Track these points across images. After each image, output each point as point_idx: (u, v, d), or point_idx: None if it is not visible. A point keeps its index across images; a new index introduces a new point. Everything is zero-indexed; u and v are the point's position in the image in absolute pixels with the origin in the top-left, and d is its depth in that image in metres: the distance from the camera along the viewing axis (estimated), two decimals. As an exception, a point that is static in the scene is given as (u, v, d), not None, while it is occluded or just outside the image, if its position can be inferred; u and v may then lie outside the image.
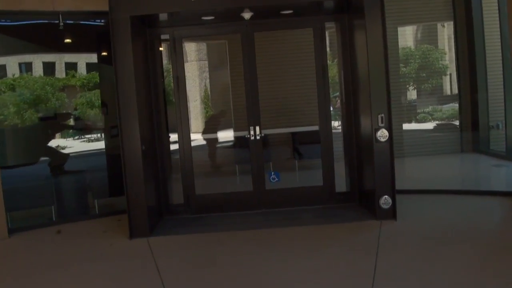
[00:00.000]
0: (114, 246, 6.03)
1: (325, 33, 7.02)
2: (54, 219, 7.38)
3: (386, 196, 6.18)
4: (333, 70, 7.67)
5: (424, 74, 9.41)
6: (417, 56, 9.30)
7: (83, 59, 9.59)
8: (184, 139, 7.12)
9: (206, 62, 11.33)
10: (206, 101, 10.77)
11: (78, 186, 8.23)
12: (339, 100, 7.51)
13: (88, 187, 8.26)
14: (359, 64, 6.58)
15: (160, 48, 7.34)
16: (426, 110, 9.37)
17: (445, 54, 9.29)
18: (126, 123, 6.15)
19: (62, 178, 8.47)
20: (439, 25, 9.61)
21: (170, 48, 7.06)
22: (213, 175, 8.80)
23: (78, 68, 9.41)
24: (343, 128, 7.36)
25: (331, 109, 7.18)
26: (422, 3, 9.02)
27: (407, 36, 9.53)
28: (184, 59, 7.22)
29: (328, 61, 7.09)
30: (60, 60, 9.49)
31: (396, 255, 5.06)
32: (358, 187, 7.08)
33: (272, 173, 7.21)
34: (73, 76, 9.26)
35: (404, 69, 9.17)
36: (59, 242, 6.43)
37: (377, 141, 6.11)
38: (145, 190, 6.25)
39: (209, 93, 10.74)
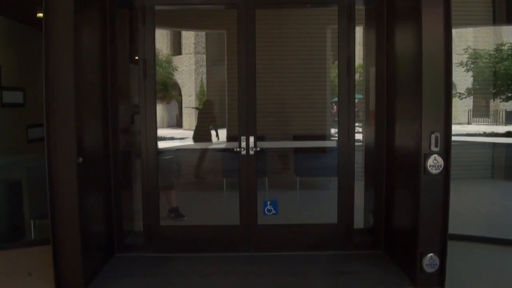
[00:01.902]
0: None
1: (354, 12, 5.01)
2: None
3: (432, 254, 4.20)
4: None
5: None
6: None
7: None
8: (148, 146, 5.13)
9: (204, 56, 9.32)
10: (201, 97, 8.83)
11: (8, 201, 6.10)
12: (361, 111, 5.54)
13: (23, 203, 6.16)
14: (403, 60, 4.65)
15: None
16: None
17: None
18: (54, 124, 4.18)
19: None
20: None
21: (138, 19, 5.07)
22: (190, 198, 6.81)
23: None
24: (367, 145, 5.42)
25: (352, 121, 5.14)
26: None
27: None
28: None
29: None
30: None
31: None
32: (385, 229, 5.11)
33: (268, 202, 5.18)
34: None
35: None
36: None
37: (427, 172, 4.13)
38: (81, 219, 4.27)
39: (205, 89, 8.80)
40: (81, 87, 4.34)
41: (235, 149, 5.03)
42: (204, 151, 8.85)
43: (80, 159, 4.28)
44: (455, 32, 4.40)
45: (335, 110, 8.59)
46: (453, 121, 4.20)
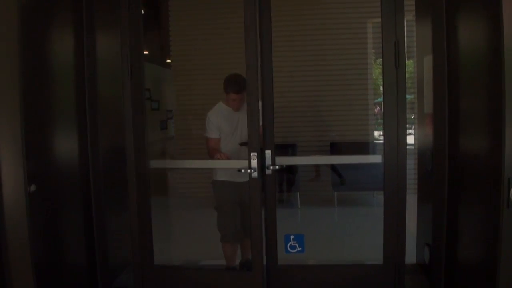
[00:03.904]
0: None
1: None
2: None
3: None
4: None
5: None
6: None
7: None
8: (136, 160, 3.98)
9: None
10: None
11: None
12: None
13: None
14: (472, 54, 3.34)
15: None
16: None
17: None
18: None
19: None
20: None
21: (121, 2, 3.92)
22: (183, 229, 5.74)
23: None
24: (420, 158, 4.19)
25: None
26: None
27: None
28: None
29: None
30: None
31: None
32: (446, 266, 3.79)
33: (291, 237, 3.93)
34: None
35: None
36: None
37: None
38: (35, 268, 3.13)
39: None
40: (36, 91, 3.23)
41: (242, 170, 3.78)
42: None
43: (32, 188, 3.15)
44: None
45: (377, 111, 7.32)
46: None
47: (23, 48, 3.07)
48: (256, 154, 3.68)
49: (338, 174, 7.08)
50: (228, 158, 4.14)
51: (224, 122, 4.34)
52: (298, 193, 7.21)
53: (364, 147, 7.74)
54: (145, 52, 12.67)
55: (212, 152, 4.30)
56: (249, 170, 3.69)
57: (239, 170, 3.78)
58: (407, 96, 4.40)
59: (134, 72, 3.92)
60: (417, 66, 4.52)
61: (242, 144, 4.04)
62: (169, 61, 8.75)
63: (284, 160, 3.92)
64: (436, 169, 3.86)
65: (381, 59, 3.86)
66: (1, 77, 3.05)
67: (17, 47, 3.02)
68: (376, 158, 3.95)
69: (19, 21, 3.02)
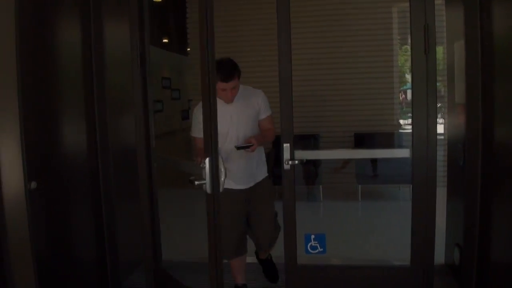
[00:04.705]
0: None
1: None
2: None
3: None
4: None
5: None
6: None
7: None
8: (140, 152, 3.76)
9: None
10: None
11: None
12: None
13: None
14: (508, 33, 3.00)
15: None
16: None
17: None
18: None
19: None
20: None
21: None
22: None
23: None
24: (451, 151, 3.94)
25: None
26: None
27: None
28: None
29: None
30: None
31: None
32: (478, 267, 3.49)
33: (312, 237, 3.67)
34: None
35: None
36: None
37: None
38: (38, 267, 2.95)
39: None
40: (40, 83, 3.03)
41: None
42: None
43: (33, 184, 2.94)
44: None
45: (402, 99, 7.05)
46: None
47: (25, 37, 2.87)
48: (288, 145, 3.47)
49: (373, 167, 6.78)
50: None
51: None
52: (320, 186, 6.94)
53: (390, 137, 7.44)
54: (165, 40, 12.61)
55: (197, 153, 3.53)
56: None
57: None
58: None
59: (141, 58, 3.68)
60: (447, 52, 4.22)
61: (239, 147, 3.40)
62: (189, 49, 8.57)
63: (304, 154, 3.64)
64: (469, 163, 3.58)
65: (406, 46, 3.59)
66: (1, 64, 2.85)
67: (15, 36, 2.81)
68: (404, 153, 3.65)
69: (16, 9, 2.81)
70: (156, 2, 8.93)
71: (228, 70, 3.38)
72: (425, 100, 3.48)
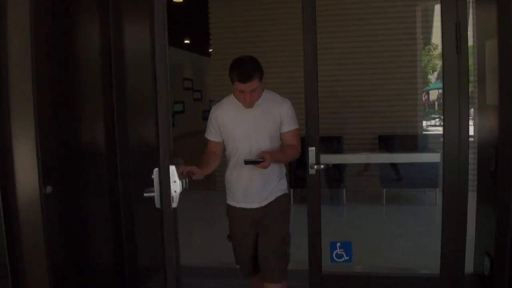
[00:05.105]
0: None
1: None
2: None
3: None
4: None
5: None
6: None
7: None
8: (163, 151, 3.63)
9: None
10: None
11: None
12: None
13: None
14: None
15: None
16: None
17: None
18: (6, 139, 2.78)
19: None
20: None
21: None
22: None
23: None
24: (481, 156, 3.76)
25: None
26: None
27: None
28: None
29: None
30: None
31: None
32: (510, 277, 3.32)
33: (338, 245, 3.53)
34: None
35: None
36: None
37: None
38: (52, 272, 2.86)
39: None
40: (58, 82, 2.94)
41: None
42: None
43: (48, 189, 2.85)
44: None
45: (424, 99, 6.91)
46: None
47: (42, 38, 2.79)
48: (314, 149, 3.30)
49: (395, 170, 6.60)
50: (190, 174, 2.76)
51: (230, 121, 3.05)
52: (344, 189, 6.78)
53: (415, 140, 7.27)
54: (186, 41, 12.62)
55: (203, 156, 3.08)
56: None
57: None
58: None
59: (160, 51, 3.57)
60: (477, 51, 4.04)
61: (247, 162, 2.85)
62: (211, 50, 8.50)
63: (331, 158, 3.50)
64: (501, 168, 3.39)
65: (429, 46, 3.44)
66: (15, 65, 2.77)
67: (30, 37, 2.72)
68: (434, 157, 3.50)
69: (32, 9, 2.73)
70: (177, 3, 8.87)
71: (247, 69, 2.86)
72: (456, 101, 3.35)
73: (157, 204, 2.24)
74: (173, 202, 2.25)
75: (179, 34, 13.69)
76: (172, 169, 2.21)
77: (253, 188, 3.02)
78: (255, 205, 3.04)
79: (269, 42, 7.27)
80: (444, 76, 3.36)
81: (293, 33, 6.21)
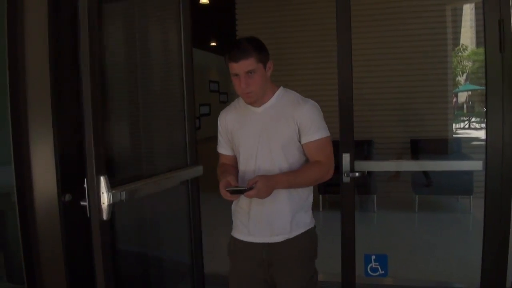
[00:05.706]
0: None
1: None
2: None
3: None
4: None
5: None
6: None
7: None
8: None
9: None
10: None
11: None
12: None
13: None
14: None
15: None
16: None
17: None
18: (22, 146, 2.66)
19: None
20: None
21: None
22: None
23: None
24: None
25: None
26: None
27: None
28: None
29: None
30: None
31: None
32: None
33: (373, 258, 3.31)
34: None
35: None
36: None
37: None
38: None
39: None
40: (73, 85, 2.80)
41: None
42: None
43: (68, 197, 2.72)
44: None
45: (454, 102, 6.75)
46: None
47: (62, 44, 2.66)
48: (348, 155, 3.07)
49: (426, 175, 6.36)
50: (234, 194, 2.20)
51: (237, 126, 2.42)
52: (375, 195, 6.55)
53: (448, 143, 7.03)
54: (213, 44, 12.55)
55: (219, 171, 2.47)
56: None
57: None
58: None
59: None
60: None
61: (232, 192, 2.17)
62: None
63: (366, 165, 3.27)
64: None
65: (459, 47, 3.23)
66: (34, 70, 2.65)
67: (48, 43, 2.60)
68: (476, 165, 3.25)
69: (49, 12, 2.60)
70: (204, 4, 8.75)
71: (242, 45, 2.22)
72: (500, 104, 3.11)
73: (88, 213, 2.22)
74: (103, 213, 2.19)
75: (206, 36, 13.60)
76: (102, 180, 2.17)
77: (266, 217, 2.34)
78: (267, 239, 2.35)
79: (297, 44, 7.11)
80: (487, 77, 3.14)
81: (322, 34, 6.04)
